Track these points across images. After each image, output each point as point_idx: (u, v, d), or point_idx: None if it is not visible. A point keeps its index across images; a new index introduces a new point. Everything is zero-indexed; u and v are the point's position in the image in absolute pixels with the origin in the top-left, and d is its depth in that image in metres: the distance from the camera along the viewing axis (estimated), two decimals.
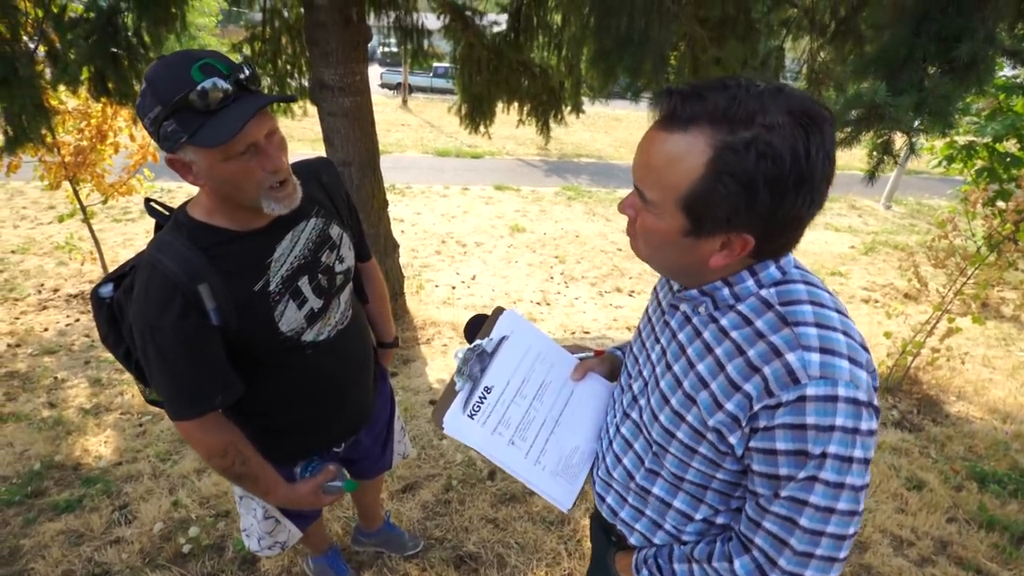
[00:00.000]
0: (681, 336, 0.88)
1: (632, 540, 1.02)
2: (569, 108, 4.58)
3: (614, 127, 17.68)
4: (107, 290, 1.18)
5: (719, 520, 0.91)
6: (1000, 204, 5.23)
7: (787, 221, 0.72)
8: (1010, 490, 2.73)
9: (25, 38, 3.07)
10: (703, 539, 0.92)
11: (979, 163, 6.54)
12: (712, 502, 0.89)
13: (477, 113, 4.50)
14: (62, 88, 3.41)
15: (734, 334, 0.79)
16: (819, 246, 7.28)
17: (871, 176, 2.34)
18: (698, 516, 0.91)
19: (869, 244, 7.60)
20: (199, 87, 0.92)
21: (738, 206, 0.70)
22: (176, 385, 1.11)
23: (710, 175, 0.69)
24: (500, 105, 4.53)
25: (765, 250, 0.77)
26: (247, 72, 0.99)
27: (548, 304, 5.02)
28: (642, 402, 0.94)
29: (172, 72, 0.93)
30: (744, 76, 0.71)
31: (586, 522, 2.33)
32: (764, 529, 0.78)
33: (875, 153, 2.30)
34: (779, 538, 0.77)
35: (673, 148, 0.71)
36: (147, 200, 1.18)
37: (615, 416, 1.03)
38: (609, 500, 1.04)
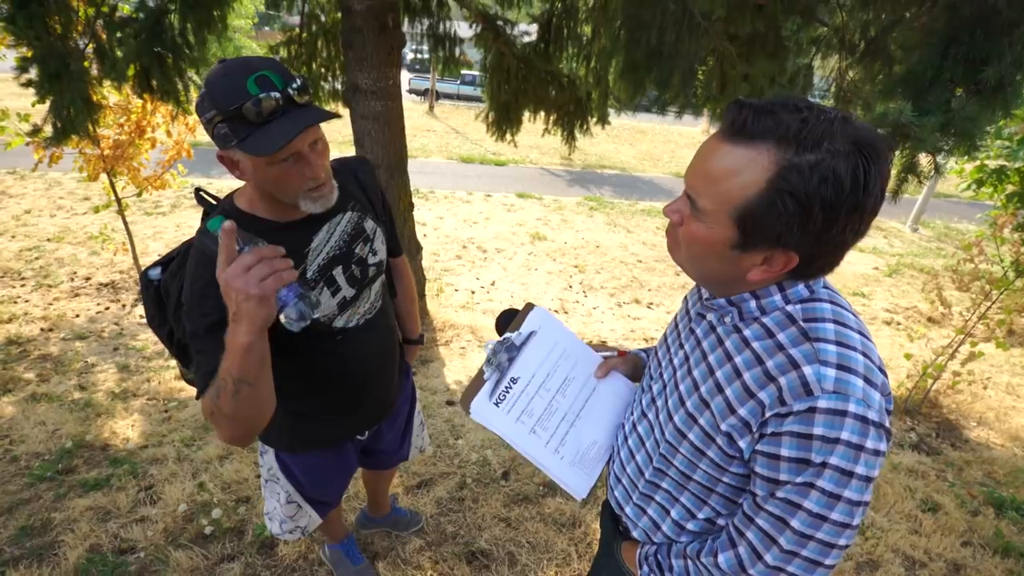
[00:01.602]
0: (705, 344, 0.91)
1: (635, 534, 1.06)
2: (595, 119, 4.62)
3: (639, 139, 17.68)
4: (156, 273, 1.25)
5: (720, 521, 0.94)
6: None
7: (832, 245, 0.75)
8: None
9: (75, 35, 3.21)
10: (699, 538, 0.95)
11: (1010, 188, 6.44)
12: (716, 504, 0.92)
13: (504, 121, 4.56)
14: (107, 84, 3.54)
15: (755, 345, 0.82)
16: (842, 266, 7.02)
17: (894, 195, 2.35)
18: (701, 515, 0.94)
19: (894, 266, 7.51)
20: (253, 99, 0.98)
21: (791, 225, 0.72)
22: (210, 366, 1.11)
23: (769, 191, 0.71)
24: (527, 114, 4.58)
25: (804, 270, 0.79)
26: (298, 83, 1.05)
27: (566, 312, 5.05)
28: (659, 403, 0.98)
29: (230, 81, 1.00)
30: (814, 101, 0.73)
31: (596, 525, 2.35)
32: (756, 525, 0.81)
33: (900, 173, 2.31)
34: (769, 535, 0.79)
35: (736, 160, 0.73)
36: (198, 189, 1.26)
37: (632, 414, 1.07)
38: (617, 493, 1.09)
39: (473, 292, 5.31)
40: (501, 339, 1.11)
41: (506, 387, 1.07)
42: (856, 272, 7.07)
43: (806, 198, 0.69)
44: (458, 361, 3.87)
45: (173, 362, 3.58)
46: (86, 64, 3.20)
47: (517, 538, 2.29)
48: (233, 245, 0.89)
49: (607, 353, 1.21)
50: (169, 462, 2.64)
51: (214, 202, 1.23)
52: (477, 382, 1.08)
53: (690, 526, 0.96)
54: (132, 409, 3.12)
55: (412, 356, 1.81)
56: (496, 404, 1.06)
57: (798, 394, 0.74)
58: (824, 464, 0.73)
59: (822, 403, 0.72)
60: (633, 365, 1.22)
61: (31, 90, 3.08)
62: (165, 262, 1.27)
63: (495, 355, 1.09)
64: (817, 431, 0.73)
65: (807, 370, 0.74)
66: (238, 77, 0.99)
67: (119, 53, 3.13)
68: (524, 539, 2.29)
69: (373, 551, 2.20)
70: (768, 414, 0.77)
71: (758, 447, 0.79)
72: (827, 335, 0.77)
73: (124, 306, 4.57)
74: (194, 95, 3.57)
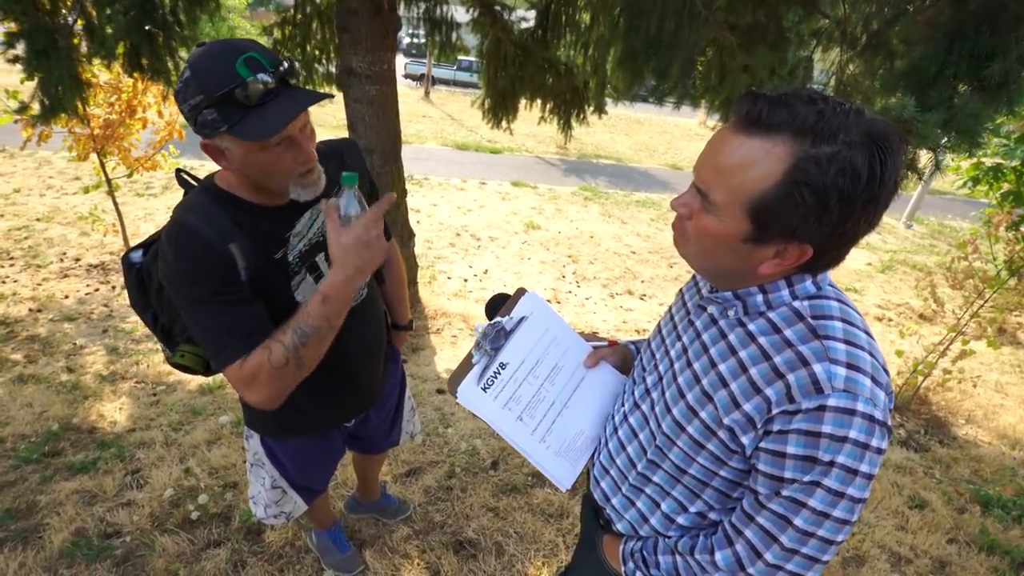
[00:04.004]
0: (705, 336, 0.90)
1: (619, 527, 1.05)
2: (592, 108, 4.56)
3: (635, 130, 17.60)
4: (137, 256, 1.22)
5: (711, 516, 0.93)
6: None
7: (845, 238, 0.74)
8: (1014, 516, 2.72)
9: (64, 11, 3.14)
10: (688, 533, 0.95)
11: (1005, 186, 6.45)
12: (709, 499, 0.91)
13: (500, 108, 4.50)
14: (96, 62, 3.47)
15: (761, 340, 0.81)
16: None
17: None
18: (692, 509, 0.93)
19: (887, 262, 7.53)
20: (245, 83, 0.95)
21: (807, 217, 0.71)
22: (222, 328, 1.06)
23: (786, 184, 0.70)
24: (523, 101, 4.53)
25: (815, 263, 0.78)
26: (286, 66, 1.02)
27: (559, 303, 5.03)
28: (654, 395, 0.97)
29: (217, 64, 0.95)
30: (828, 94, 0.72)
31: None
32: (757, 523, 0.80)
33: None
34: (770, 534, 0.79)
35: (751, 152, 0.72)
36: (178, 170, 1.22)
37: (623, 406, 1.06)
38: (604, 485, 1.07)
39: (466, 280, 5.29)
40: (492, 323, 1.09)
41: (495, 372, 1.06)
42: (849, 268, 7.08)
43: (824, 190, 0.69)
44: (449, 349, 3.86)
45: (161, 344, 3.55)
46: (75, 41, 3.13)
47: (505, 528, 2.29)
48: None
49: (597, 343, 1.20)
50: (156, 446, 2.61)
51: (194, 183, 1.20)
52: (465, 365, 1.07)
53: (680, 520, 0.95)
54: (120, 392, 3.09)
55: (401, 342, 1.78)
56: (484, 389, 1.05)
57: (808, 392, 0.73)
58: (832, 463, 0.73)
59: (832, 401, 0.72)
60: (623, 357, 1.21)
61: (19, 66, 3.02)
62: (147, 244, 1.24)
63: (485, 339, 1.07)
64: (826, 429, 0.72)
65: (817, 368, 0.74)
66: (226, 59, 0.95)
67: (108, 30, 3.07)
68: (512, 529, 2.29)
69: (360, 539, 2.19)
70: (775, 411, 0.76)
71: (762, 444, 0.78)
72: (836, 333, 0.76)
73: (114, 288, 4.52)
74: None
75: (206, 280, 1.05)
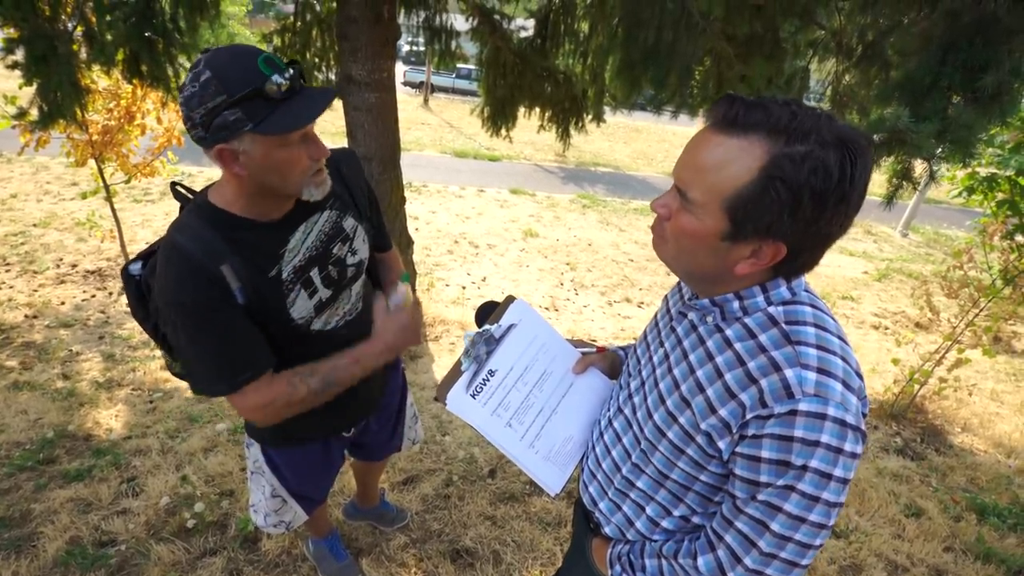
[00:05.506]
0: (686, 343, 0.92)
1: (607, 530, 1.06)
2: (590, 116, 4.59)
3: (634, 138, 17.68)
4: (136, 268, 1.22)
5: (695, 520, 0.94)
6: (1019, 238, 5.19)
7: (819, 237, 0.76)
8: (1010, 524, 2.72)
9: (64, 17, 3.15)
10: (673, 537, 0.96)
11: (1000, 195, 6.49)
12: (691, 503, 0.93)
13: (499, 116, 4.53)
14: (96, 68, 3.48)
15: (737, 345, 0.83)
16: (832, 269, 7.26)
17: (889, 201, 2.36)
18: (676, 513, 0.95)
19: (883, 271, 7.55)
20: (271, 79, 0.96)
21: (782, 213, 0.73)
22: (214, 360, 1.11)
23: (761, 180, 0.72)
24: (522, 109, 4.55)
25: (790, 264, 0.80)
26: (299, 67, 1.04)
27: (557, 310, 5.04)
28: (636, 400, 0.99)
29: (240, 64, 0.96)
30: (799, 100, 0.75)
31: None
32: (736, 528, 0.82)
33: (894, 179, 2.31)
34: (749, 539, 0.80)
35: (728, 151, 0.74)
36: (173, 184, 1.22)
37: (609, 410, 1.07)
38: (591, 489, 1.08)
39: (464, 288, 5.29)
40: (480, 331, 1.10)
41: (484, 379, 1.07)
42: (846, 276, 7.11)
43: (797, 186, 0.71)
44: (447, 357, 3.85)
45: (159, 352, 3.54)
46: (74, 47, 3.14)
47: (502, 537, 2.28)
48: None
49: (585, 349, 1.22)
50: (152, 454, 2.60)
51: (189, 196, 1.20)
52: (454, 373, 1.08)
53: (665, 523, 0.96)
54: (116, 399, 3.08)
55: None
56: (473, 396, 1.06)
57: (779, 397, 0.75)
58: (805, 467, 0.74)
59: (803, 406, 0.73)
60: (611, 362, 1.22)
61: (18, 72, 3.02)
62: (146, 256, 1.24)
63: (474, 347, 1.08)
64: (798, 433, 0.74)
65: (788, 373, 0.75)
66: (247, 60, 0.97)
67: (108, 37, 3.07)
68: (509, 538, 2.28)
69: (357, 547, 2.19)
70: (749, 416, 0.77)
71: (738, 449, 0.79)
72: (808, 339, 0.78)
73: (111, 294, 4.51)
74: None
75: (199, 307, 1.07)
